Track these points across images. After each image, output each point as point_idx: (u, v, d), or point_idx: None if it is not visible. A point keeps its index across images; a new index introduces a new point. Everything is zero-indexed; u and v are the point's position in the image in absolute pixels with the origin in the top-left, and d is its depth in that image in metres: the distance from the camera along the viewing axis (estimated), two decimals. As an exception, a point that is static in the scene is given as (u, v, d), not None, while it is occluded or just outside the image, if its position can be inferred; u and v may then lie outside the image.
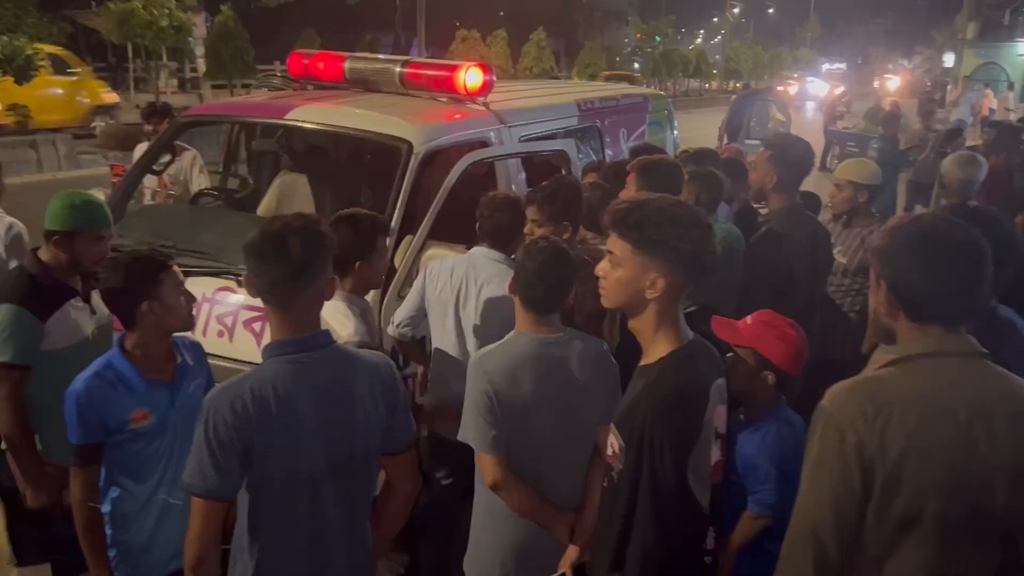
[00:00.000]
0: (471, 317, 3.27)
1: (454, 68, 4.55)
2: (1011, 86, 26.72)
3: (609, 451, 2.06)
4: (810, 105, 33.52)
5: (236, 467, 1.93)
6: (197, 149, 6.19)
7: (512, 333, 2.55)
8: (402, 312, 3.43)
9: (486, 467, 2.45)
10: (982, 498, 1.70)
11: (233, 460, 1.92)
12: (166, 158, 4.98)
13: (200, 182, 5.95)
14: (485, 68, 4.60)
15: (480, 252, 3.32)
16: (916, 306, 1.77)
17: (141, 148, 6.74)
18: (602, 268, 2.03)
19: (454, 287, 3.29)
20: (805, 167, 3.64)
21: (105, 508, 2.50)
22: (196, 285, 3.73)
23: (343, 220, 2.89)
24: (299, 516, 2.02)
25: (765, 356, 2.56)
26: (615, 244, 1.99)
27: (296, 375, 1.98)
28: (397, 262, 3.79)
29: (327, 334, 2.08)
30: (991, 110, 20.60)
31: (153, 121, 6.40)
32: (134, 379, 2.44)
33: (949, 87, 32.24)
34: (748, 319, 2.68)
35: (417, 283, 3.40)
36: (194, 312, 3.20)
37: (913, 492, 1.70)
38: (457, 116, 4.48)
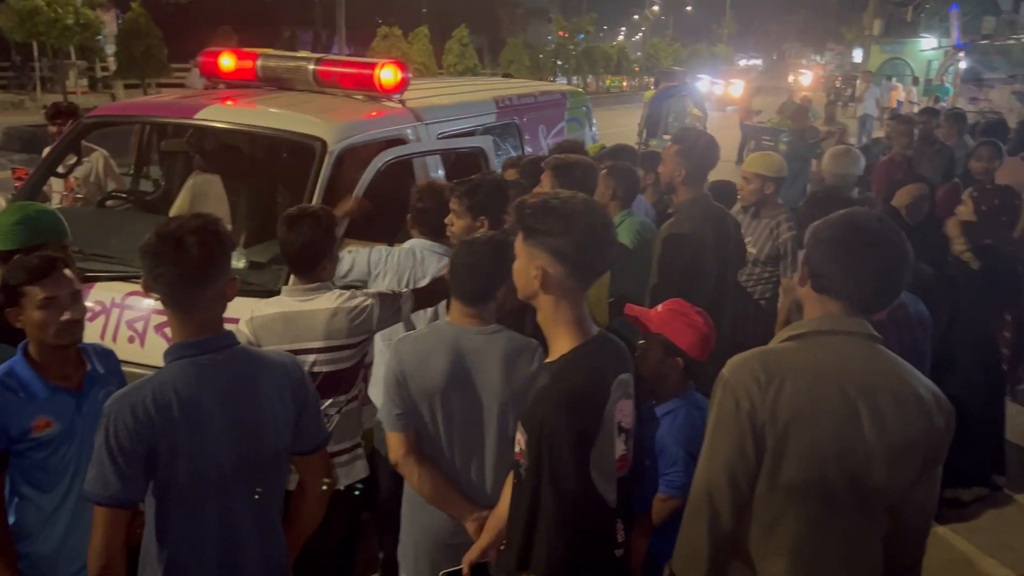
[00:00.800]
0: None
1: (369, 65, 4.52)
2: (915, 80, 27.81)
3: (517, 448, 2.06)
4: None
5: (139, 473, 1.90)
6: (108, 151, 6.00)
7: (440, 320, 2.56)
8: (352, 274, 3.43)
9: (390, 444, 2.50)
10: (863, 471, 1.80)
11: (136, 466, 1.88)
12: (71, 160, 4.80)
13: (111, 184, 5.77)
14: (400, 65, 4.58)
15: (422, 244, 3.34)
16: (823, 284, 1.88)
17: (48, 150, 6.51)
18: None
19: (401, 279, 3.29)
20: (711, 160, 3.74)
21: (11, 519, 2.42)
22: (105, 290, 3.68)
23: (299, 219, 2.86)
24: (208, 520, 1.99)
25: (673, 343, 2.66)
26: (516, 235, 2.06)
27: (199, 377, 1.95)
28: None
29: (230, 334, 2.05)
30: (899, 102, 21.44)
31: (58, 122, 6.17)
32: (36, 386, 2.37)
33: (858, 82, 33.48)
34: (659, 308, 2.77)
35: (362, 258, 3.38)
36: (103, 318, 3.14)
37: (799, 459, 1.80)
38: (372, 114, 4.46)
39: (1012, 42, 20.10)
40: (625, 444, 2.00)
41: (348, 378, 2.96)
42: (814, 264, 1.90)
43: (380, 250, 3.39)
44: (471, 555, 2.32)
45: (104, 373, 2.53)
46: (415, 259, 3.31)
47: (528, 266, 2.00)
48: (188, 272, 1.91)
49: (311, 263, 2.88)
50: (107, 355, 2.60)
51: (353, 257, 3.38)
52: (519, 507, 2.04)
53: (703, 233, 3.61)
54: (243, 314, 3.23)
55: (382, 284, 3.29)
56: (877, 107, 20.16)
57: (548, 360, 2.05)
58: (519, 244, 2.03)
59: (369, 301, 2.87)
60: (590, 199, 2.11)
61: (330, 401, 2.89)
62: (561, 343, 2.01)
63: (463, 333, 2.46)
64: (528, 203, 2.01)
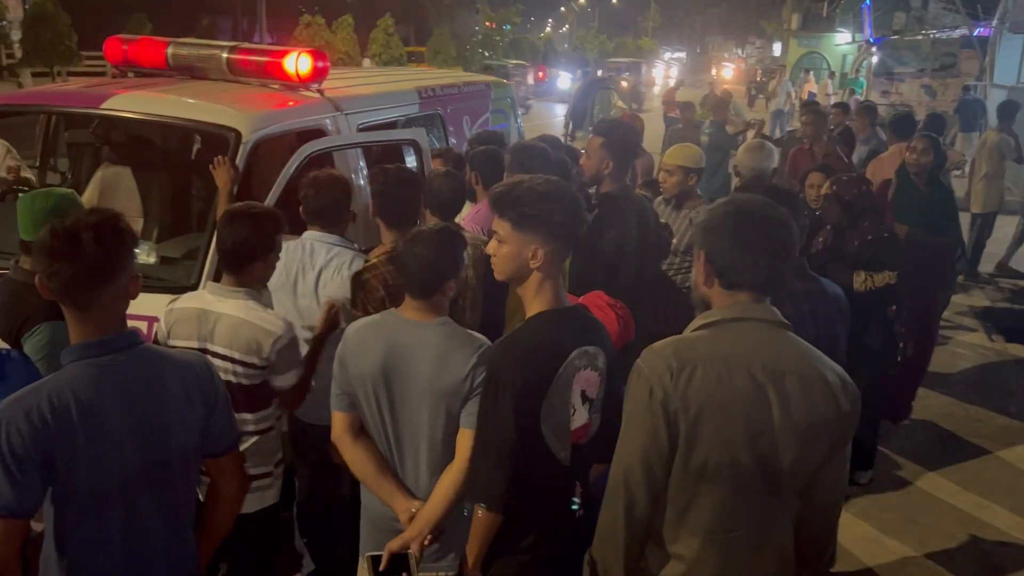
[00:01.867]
0: (307, 301, 3.21)
1: (284, 53, 4.41)
2: (832, 74, 28.68)
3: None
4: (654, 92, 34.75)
5: (35, 481, 1.79)
6: (9, 142, 5.72)
7: (390, 310, 2.53)
8: None
9: (332, 423, 2.53)
10: (771, 454, 1.84)
11: (31, 474, 1.78)
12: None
13: (8, 174, 5.50)
14: (317, 54, 4.48)
15: (313, 236, 3.26)
16: (727, 273, 1.91)
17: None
18: (491, 247, 2.28)
19: (289, 272, 3.22)
20: (632, 149, 3.78)
21: None
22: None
23: (239, 216, 2.76)
24: (112, 527, 1.90)
25: None
26: (499, 224, 2.24)
27: (100, 379, 1.86)
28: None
29: (134, 334, 1.96)
30: (811, 93, 22.06)
31: None
32: None
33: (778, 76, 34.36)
34: (579, 301, 2.75)
35: None
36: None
37: (710, 444, 1.83)
38: (289, 103, 4.35)
39: (921, 37, 20.79)
40: (588, 414, 2.19)
41: (258, 396, 2.85)
42: (717, 260, 1.92)
43: None
44: (394, 543, 2.33)
45: (3, 382, 2.30)
46: (304, 251, 3.25)
47: (521, 251, 2.20)
48: (85, 270, 1.81)
49: (240, 263, 2.79)
50: (17, 361, 2.39)
51: None
52: (474, 445, 2.27)
53: (627, 225, 3.65)
54: (159, 311, 3.12)
55: (277, 278, 3.21)
56: (788, 101, 20.72)
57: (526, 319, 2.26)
58: (507, 233, 2.21)
59: (281, 331, 2.77)
60: (559, 180, 2.33)
61: (242, 416, 2.76)
62: (533, 308, 2.25)
63: (403, 324, 2.43)
64: (517, 194, 2.20)
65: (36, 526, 1.95)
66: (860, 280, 4.20)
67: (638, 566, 1.95)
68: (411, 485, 2.47)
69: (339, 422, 2.50)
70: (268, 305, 2.96)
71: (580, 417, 2.20)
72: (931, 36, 20.76)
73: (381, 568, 2.26)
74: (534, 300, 2.25)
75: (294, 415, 3.36)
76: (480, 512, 2.18)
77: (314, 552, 3.57)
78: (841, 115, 8.49)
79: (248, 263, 2.79)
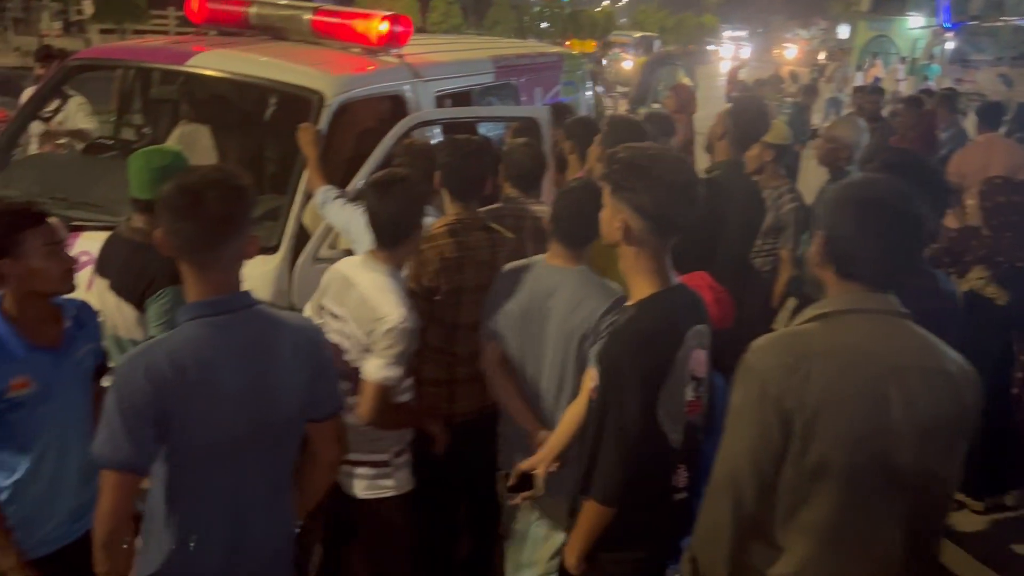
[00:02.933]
0: None
1: (367, 16, 4.37)
2: (903, 59, 27.82)
3: (591, 384, 2.27)
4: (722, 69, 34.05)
5: (151, 437, 1.80)
6: (83, 91, 5.81)
7: (538, 257, 2.79)
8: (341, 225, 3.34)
9: (484, 351, 2.83)
10: (891, 452, 1.76)
11: (148, 430, 1.78)
12: (55, 104, 4.63)
13: (86, 127, 5.59)
14: (399, 18, 4.44)
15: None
16: (845, 263, 1.82)
17: (29, 92, 6.29)
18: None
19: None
20: (758, 127, 3.75)
21: None
22: (88, 240, 3.54)
23: (392, 186, 2.63)
24: (219, 486, 1.91)
25: None
26: (603, 185, 2.20)
27: (215, 338, 1.85)
28: (308, 221, 3.65)
29: (248, 295, 1.94)
30: (876, 79, 21.45)
31: (47, 64, 5.97)
32: (13, 343, 2.24)
33: (827, 63, 33.39)
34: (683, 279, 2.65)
35: (359, 216, 3.16)
36: (90, 268, 2.99)
37: (827, 443, 1.76)
38: (370, 68, 4.31)
39: (1000, 24, 20.07)
40: (696, 391, 2.15)
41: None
42: (836, 245, 1.82)
43: (359, 211, 3.26)
44: (524, 464, 2.58)
45: (82, 329, 2.41)
46: None
47: (612, 218, 2.14)
48: (208, 228, 1.80)
49: (395, 237, 2.67)
50: (84, 309, 2.47)
51: (352, 213, 3.25)
52: (587, 437, 2.24)
53: (733, 197, 3.61)
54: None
55: (363, 247, 3.19)
56: (846, 87, 20.07)
57: (627, 303, 2.21)
58: (606, 195, 2.16)
59: (395, 321, 2.56)
60: (680, 157, 2.24)
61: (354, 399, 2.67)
62: (639, 289, 2.17)
63: (548, 269, 2.71)
64: (617, 158, 2.13)
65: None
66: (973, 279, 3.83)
67: (741, 561, 1.90)
68: (545, 413, 2.71)
69: (489, 352, 2.80)
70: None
71: (688, 394, 2.14)
72: (1011, 23, 19.99)
73: (510, 484, 2.61)
74: (635, 279, 2.17)
75: None
76: (593, 505, 2.15)
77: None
78: (876, 102, 8.01)
79: (405, 236, 2.68)
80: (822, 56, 34.34)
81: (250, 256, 1.93)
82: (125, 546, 1.86)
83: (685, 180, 2.12)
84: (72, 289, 2.34)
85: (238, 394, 1.87)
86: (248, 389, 1.88)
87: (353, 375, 2.65)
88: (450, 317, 2.96)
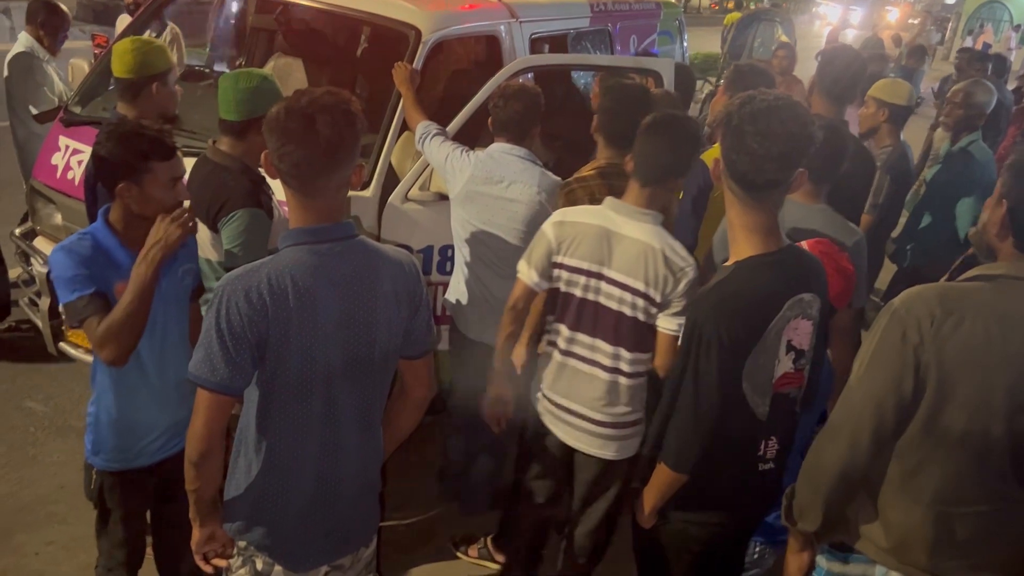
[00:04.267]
0: (492, 214, 3.12)
1: (467, -46, 4.28)
2: (1016, 27, 26.21)
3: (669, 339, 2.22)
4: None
5: (248, 360, 1.79)
6: (182, 24, 5.90)
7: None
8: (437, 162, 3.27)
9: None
10: None
11: (245, 353, 1.77)
12: (154, 29, 4.69)
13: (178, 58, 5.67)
14: (499, -44, 4.33)
15: (501, 147, 3.15)
16: None
17: (124, 20, 6.42)
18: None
19: (476, 183, 3.12)
20: (848, 78, 3.56)
21: (93, 393, 2.38)
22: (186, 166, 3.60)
23: (669, 127, 2.49)
24: (311, 415, 1.89)
25: None
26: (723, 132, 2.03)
27: (316, 267, 1.82)
28: (395, 162, 3.62)
29: (350, 225, 1.90)
30: (986, 44, 20.27)
31: None
32: (118, 253, 2.27)
33: (950, 25, 31.65)
34: (804, 244, 2.42)
35: (460, 157, 3.18)
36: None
37: (962, 407, 1.65)
38: (467, 6, 4.23)
39: None
40: (795, 363, 1.99)
41: (646, 337, 2.51)
42: (1019, 217, 1.68)
43: (461, 150, 3.22)
44: None
45: (183, 248, 2.41)
46: (494, 162, 3.13)
47: (718, 173, 2.01)
48: (317, 154, 1.75)
49: (663, 178, 2.49)
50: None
51: (451, 151, 3.21)
52: (665, 396, 2.10)
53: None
54: None
55: (458, 185, 3.15)
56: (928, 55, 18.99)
57: (726, 263, 2.03)
58: (717, 147, 2.01)
59: (694, 272, 2.42)
60: (798, 105, 1.93)
61: (617, 350, 2.53)
62: (740, 250, 1.99)
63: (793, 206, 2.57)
64: (735, 106, 1.94)
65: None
66: None
67: (842, 513, 1.81)
68: None
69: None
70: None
71: (783, 367, 1.99)
72: None
73: None
74: (738, 240, 1.99)
75: (458, 330, 3.35)
76: (664, 469, 2.08)
77: (458, 449, 3.61)
78: (983, 70, 7.41)
79: (672, 179, 2.52)
80: (927, 21, 32.49)
81: (355, 186, 1.89)
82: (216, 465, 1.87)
83: (806, 135, 1.90)
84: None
85: (336, 324, 1.84)
86: (346, 320, 1.85)
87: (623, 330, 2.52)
88: None
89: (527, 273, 2.61)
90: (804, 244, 2.44)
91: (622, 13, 5.73)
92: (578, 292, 2.54)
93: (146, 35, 4.81)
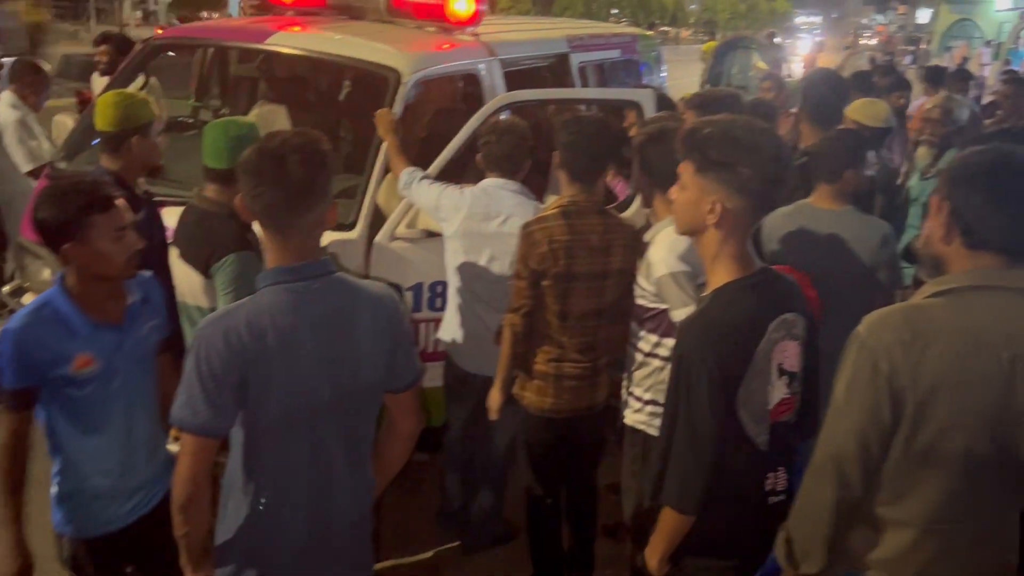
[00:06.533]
0: (492, 248, 3.15)
1: (443, -5, 4.35)
2: (988, 43, 26.67)
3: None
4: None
5: (230, 402, 1.79)
6: (162, 77, 5.92)
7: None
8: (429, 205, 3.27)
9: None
10: (1012, 442, 1.65)
11: (226, 394, 1.78)
12: (139, 82, 4.73)
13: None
14: (475, -3, 4.41)
15: (494, 183, 3.18)
16: (975, 231, 1.69)
17: (98, 80, 6.39)
18: (673, 191, 2.01)
19: (473, 218, 3.14)
20: (834, 100, 3.68)
21: (57, 460, 2.29)
22: (173, 215, 3.60)
23: (667, 137, 2.59)
24: (298, 454, 1.90)
25: None
26: (683, 167, 1.97)
27: (295, 305, 1.83)
28: (382, 201, 3.64)
29: (328, 262, 1.92)
30: (964, 59, 20.60)
31: (104, 48, 6.18)
32: (76, 321, 2.17)
33: (922, 45, 32.15)
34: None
35: (453, 195, 3.20)
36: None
37: (941, 427, 1.65)
38: (446, 46, 4.29)
39: (1095, 5, 19.06)
40: (788, 387, 1.95)
41: (659, 324, 2.65)
42: (965, 216, 1.69)
43: (452, 188, 3.24)
44: None
45: (147, 304, 2.34)
46: (488, 197, 3.17)
47: (701, 200, 1.90)
48: (290, 193, 1.78)
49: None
50: (149, 283, 2.40)
51: (441, 191, 3.23)
52: (661, 434, 2.05)
53: None
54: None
55: (455, 223, 3.17)
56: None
57: (704, 292, 2.00)
58: (689, 177, 1.93)
59: (663, 272, 2.56)
60: (770, 127, 1.98)
61: (641, 332, 2.69)
62: (718, 276, 1.95)
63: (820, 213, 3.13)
64: (706, 133, 1.89)
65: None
66: None
67: (843, 545, 1.81)
68: None
69: None
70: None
71: (778, 392, 1.96)
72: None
73: None
74: (715, 265, 1.95)
75: (453, 362, 3.36)
76: (669, 512, 2.00)
77: (456, 486, 3.59)
78: (963, 89, 7.56)
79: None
80: (897, 44, 32.97)
81: (331, 224, 1.91)
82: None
83: (784, 152, 1.93)
84: (134, 274, 2.27)
85: (317, 361, 1.85)
86: (327, 356, 1.86)
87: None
88: (559, 305, 2.87)
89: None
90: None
91: (599, 46, 5.81)
92: None
93: (137, 83, 4.85)
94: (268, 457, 1.88)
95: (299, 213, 1.81)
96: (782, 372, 1.94)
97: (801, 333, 1.99)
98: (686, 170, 1.95)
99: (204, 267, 2.63)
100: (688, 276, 2.52)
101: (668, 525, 2.02)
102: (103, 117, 3.06)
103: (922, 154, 4.76)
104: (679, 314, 2.47)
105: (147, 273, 2.40)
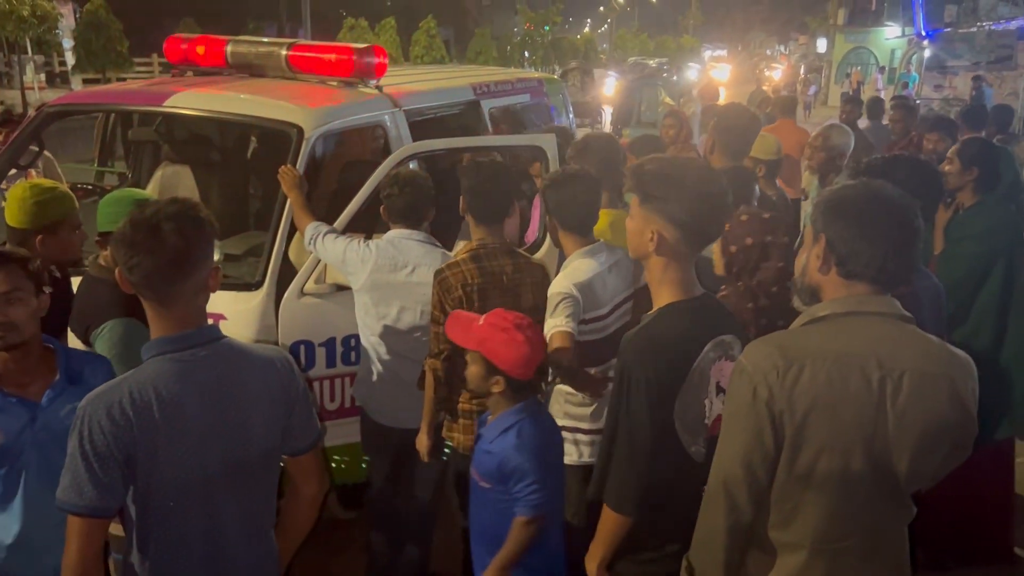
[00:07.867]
0: (403, 299, 3.16)
1: (343, 50, 4.37)
2: (882, 69, 28.07)
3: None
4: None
5: (117, 479, 1.74)
6: (65, 145, 5.80)
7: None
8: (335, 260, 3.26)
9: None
10: (886, 458, 1.72)
11: (113, 472, 1.73)
12: (34, 151, 4.60)
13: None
14: (376, 50, 4.44)
15: (400, 234, 3.20)
16: (849, 262, 1.78)
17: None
18: (628, 218, 2.20)
19: (381, 270, 3.14)
20: (747, 136, 3.82)
21: None
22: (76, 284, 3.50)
23: (576, 179, 2.83)
24: (193, 527, 1.84)
25: (491, 360, 2.43)
26: (632, 199, 2.18)
27: (181, 375, 1.79)
28: (294, 257, 3.61)
29: (214, 329, 1.89)
30: (859, 83, 21.65)
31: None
32: None
33: (823, 72, 33.67)
34: (481, 319, 2.51)
35: (359, 249, 3.19)
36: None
37: (818, 448, 1.72)
38: (348, 99, 4.31)
39: (975, 29, 20.22)
40: (723, 404, 2.06)
41: (594, 352, 2.85)
42: (838, 247, 1.78)
43: (357, 242, 3.24)
44: None
45: (73, 384, 2.23)
46: (395, 249, 3.18)
47: (644, 229, 2.11)
48: (166, 262, 1.75)
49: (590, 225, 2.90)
50: (97, 364, 2.30)
51: (346, 245, 3.23)
52: (603, 446, 2.20)
53: None
54: (224, 308, 3.09)
55: (362, 276, 3.16)
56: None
57: (648, 313, 2.17)
58: (635, 208, 2.14)
59: (552, 292, 2.77)
60: (708, 166, 2.23)
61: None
62: (661, 298, 2.15)
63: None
64: (646, 169, 2.11)
65: (113, 529, 1.91)
66: None
67: (744, 568, 1.85)
68: None
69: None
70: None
71: (716, 408, 2.10)
72: (986, 28, 20.16)
73: None
74: (660, 288, 2.15)
75: (369, 416, 3.32)
76: (610, 513, 2.10)
77: (382, 543, 3.52)
78: (853, 112, 7.98)
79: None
80: (804, 72, 34.46)
81: (214, 289, 1.88)
82: None
83: (716, 189, 2.11)
84: (7, 343, 2.14)
85: (207, 431, 1.81)
86: (217, 425, 1.82)
87: None
88: None
89: None
90: (482, 319, 2.52)
91: (506, 92, 5.90)
92: None
93: (33, 153, 4.70)
94: (161, 533, 1.83)
95: (177, 281, 1.78)
96: (720, 390, 2.08)
97: (738, 354, 2.09)
98: (633, 202, 2.17)
99: (84, 335, 2.55)
100: (571, 302, 2.67)
101: (607, 528, 2.13)
102: (9, 211, 2.88)
103: (806, 180, 4.97)
104: (546, 327, 2.65)
105: (95, 353, 2.36)
